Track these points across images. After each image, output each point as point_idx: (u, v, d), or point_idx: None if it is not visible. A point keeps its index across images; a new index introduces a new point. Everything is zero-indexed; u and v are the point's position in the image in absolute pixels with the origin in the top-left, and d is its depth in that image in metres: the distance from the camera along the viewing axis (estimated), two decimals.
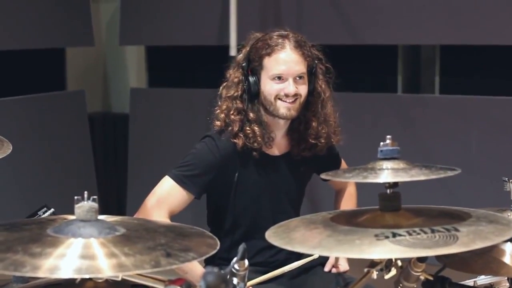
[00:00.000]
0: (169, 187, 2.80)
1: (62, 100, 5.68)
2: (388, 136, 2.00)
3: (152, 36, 5.82)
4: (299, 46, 2.78)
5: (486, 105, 4.86)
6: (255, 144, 2.78)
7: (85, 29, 5.74)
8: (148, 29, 5.81)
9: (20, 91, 5.30)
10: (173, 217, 2.83)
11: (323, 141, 2.87)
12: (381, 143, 2.00)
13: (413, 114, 5.03)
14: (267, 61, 2.76)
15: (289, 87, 2.75)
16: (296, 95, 2.77)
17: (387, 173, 1.93)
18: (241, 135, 2.78)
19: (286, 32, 2.81)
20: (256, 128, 2.78)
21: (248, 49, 2.84)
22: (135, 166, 5.94)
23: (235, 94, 2.82)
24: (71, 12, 5.62)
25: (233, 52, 4.89)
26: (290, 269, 2.74)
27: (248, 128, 2.78)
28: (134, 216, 2.74)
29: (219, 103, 2.88)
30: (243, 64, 2.82)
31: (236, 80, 2.84)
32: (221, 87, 2.92)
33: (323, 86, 2.87)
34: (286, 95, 2.75)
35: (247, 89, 2.80)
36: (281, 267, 2.81)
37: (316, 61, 2.86)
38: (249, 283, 2.52)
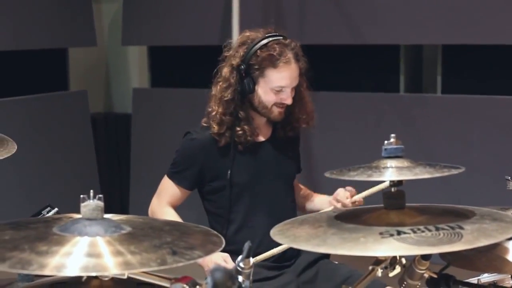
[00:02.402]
0: (166, 184, 3.03)
1: (64, 100, 5.69)
2: (392, 135, 2.01)
3: (154, 36, 5.82)
4: (298, 58, 2.92)
5: (488, 105, 4.86)
6: (243, 140, 2.92)
7: (88, 29, 5.75)
8: (150, 29, 5.82)
9: (23, 91, 5.31)
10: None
11: (303, 123, 3.05)
12: (385, 142, 2.00)
13: (415, 114, 5.03)
14: (271, 73, 2.87)
15: (289, 98, 2.91)
16: None
17: (392, 171, 1.94)
18: (227, 135, 2.91)
19: (286, 41, 2.91)
20: (246, 127, 2.92)
21: (245, 51, 2.90)
22: (137, 165, 5.94)
23: (230, 97, 2.92)
24: (74, 13, 5.63)
25: None
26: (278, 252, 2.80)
27: (239, 128, 2.91)
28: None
29: (213, 103, 2.94)
30: (241, 67, 2.88)
31: (232, 81, 2.91)
32: (214, 86, 2.99)
33: (302, 80, 2.99)
34: (283, 103, 2.91)
35: (240, 90, 2.89)
36: (285, 259, 2.95)
37: None
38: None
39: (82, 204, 1.72)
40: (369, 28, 5.05)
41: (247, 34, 2.95)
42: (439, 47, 5.04)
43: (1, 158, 2.28)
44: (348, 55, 5.07)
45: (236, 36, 4.93)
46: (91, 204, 1.72)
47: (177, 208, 3.06)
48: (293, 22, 5.23)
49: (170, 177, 3.01)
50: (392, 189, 1.95)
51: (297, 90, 2.96)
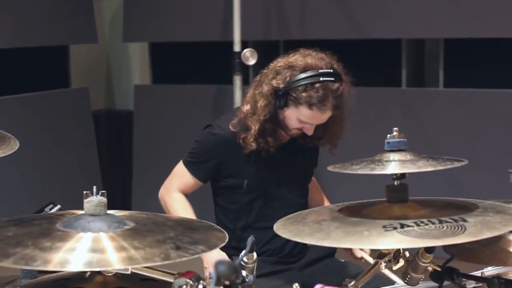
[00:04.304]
0: (180, 169, 2.99)
1: (66, 97, 5.69)
2: (395, 128, 2.01)
3: (156, 32, 5.82)
4: (337, 106, 2.80)
5: (490, 98, 4.86)
6: (266, 150, 2.88)
7: (89, 26, 5.75)
8: (152, 26, 5.81)
9: (25, 89, 5.31)
10: None
11: (324, 141, 2.98)
12: (388, 135, 2.00)
13: (417, 108, 5.03)
14: (304, 110, 2.78)
15: (311, 130, 2.85)
16: None
17: (395, 164, 1.94)
18: (253, 144, 2.86)
19: (334, 86, 2.77)
20: (270, 139, 2.87)
21: (290, 78, 2.78)
22: (139, 162, 5.94)
23: (268, 116, 2.84)
24: (74, 9, 5.63)
25: (237, 47, 4.88)
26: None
27: (261, 140, 2.86)
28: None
29: (250, 119, 2.86)
30: (280, 88, 2.79)
31: (271, 100, 2.82)
32: (251, 98, 2.90)
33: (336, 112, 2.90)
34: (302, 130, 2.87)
35: (273, 110, 2.83)
36: (290, 256, 2.93)
37: None
38: None
39: (85, 200, 1.73)
40: (371, 23, 5.04)
41: (300, 61, 2.80)
42: (441, 41, 5.04)
43: (3, 155, 2.27)
44: (350, 50, 5.05)
45: (237, 32, 4.94)
46: (94, 200, 1.72)
47: None
48: (294, 17, 5.23)
49: (186, 165, 2.97)
50: (395, 183, 1.95)
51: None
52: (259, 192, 2.93)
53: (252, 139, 2.85)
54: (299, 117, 2.81)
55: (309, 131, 2.86)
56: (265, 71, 2.90)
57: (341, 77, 2.81)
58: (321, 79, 2.76)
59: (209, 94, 5.58)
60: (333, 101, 2.77)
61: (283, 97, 2.79)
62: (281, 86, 2.79)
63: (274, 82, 2.81)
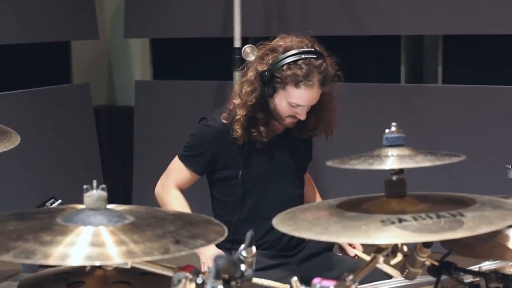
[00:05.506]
0: (176, 164, 3.03)
1: (67, 93, 5.70)
2: (393, 123, 2.01)
3: (157, 28, 5.83)
4: (324, 82, 2.85)
5: (489, 94, 4.86)
6: (259, 140, 2.92)
7: (90, 22, 5.76)
8: (153, 22, 5.82)
9: (26, 84, 5.32)
10: None
11: (319, 132, 3.05)
12: (386, 130, 2.01)
13: (416, 104, 5.04)
14: (291, 90, 2.84)
15: (303, 114, 2.89)
16: None
17: (393, 159, 1.94)
18: (245, 134, 2.90)
19: (317, 62, 2.83)
20: (262, 129, 2.91)
21: (273, 60, 2.86)
22: (140, 157, 5.96)
23: (255, 101, 2.89)
24: (76, 5, 5.64)
25: (237, 43, 4.89)
26: None
27: (254, 130, 2.90)
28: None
29: (237, 107, 2.91)
30: (265, 73, 2.86)
31: (257, 85, 2.89)
32: (238, 86, 2.96)
33: (326, 95, 2.95)
34: (296, 116, 2.90)
35: (260, 96, 2.88)
36: (288, 249, 2.97)
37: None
38: None
39: (85, 195, 1.73)
40: (370, 19, 5.05)
41: (281, 43, 2.89)
42: (439, 37, 5.05)
43: (5, 150, 2.28)
44: (349, 46, 5.07)
45: (238, 28, 4.95)
46: (94, 194, 1.73)
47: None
48: (294, 13, 5.23)
49: (182, 160, 3.00)
50: (393, 178, 1.96)
51: (317, 102, 2.94)
52: (254, 182, 2.95)
53: (238, 126, 2.88)
54: (289, 100, 2.85)
55: (302, 116, 2.88)
56: (247, 62, 2.97)
57: (323, 55, 2.86)
58: (303, 56, 2.83)
59: (209, 89, 5.58)
60: (319, 76, 2.83)
61: (269, 81, 2.84)
62: (266, 69, 2.82)
63: (258, 67, 2.87)
